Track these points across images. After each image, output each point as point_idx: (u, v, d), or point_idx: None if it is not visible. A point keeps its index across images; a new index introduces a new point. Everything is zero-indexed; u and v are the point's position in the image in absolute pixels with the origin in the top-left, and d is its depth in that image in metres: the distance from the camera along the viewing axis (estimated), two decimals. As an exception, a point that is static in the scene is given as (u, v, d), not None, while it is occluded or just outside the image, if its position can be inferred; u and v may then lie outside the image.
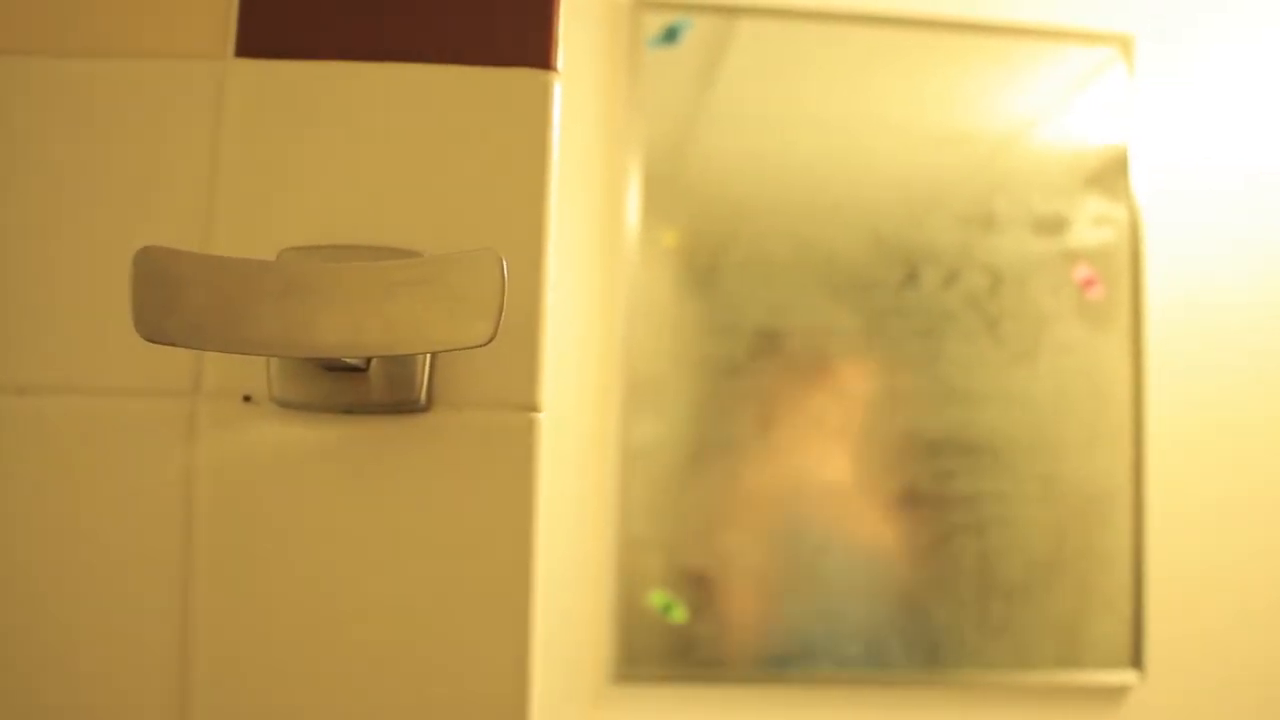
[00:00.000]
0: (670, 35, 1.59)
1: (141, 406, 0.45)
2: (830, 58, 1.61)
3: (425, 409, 0.45)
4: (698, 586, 1.53)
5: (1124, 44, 1.66)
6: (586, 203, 1.57)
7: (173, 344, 0.38)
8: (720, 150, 1.58)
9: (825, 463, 1.57)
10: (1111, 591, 1.59)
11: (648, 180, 1.56)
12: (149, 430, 0.45)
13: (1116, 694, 1.60)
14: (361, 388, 0.44)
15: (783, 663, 1.53)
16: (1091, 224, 1.63)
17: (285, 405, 0.45)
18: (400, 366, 0.44)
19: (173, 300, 0.38)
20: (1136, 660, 1.59)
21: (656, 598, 1.52)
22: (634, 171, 1.56)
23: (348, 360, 0.42)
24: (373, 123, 0.47)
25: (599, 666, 1.52)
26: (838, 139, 1.60)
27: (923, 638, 1.56)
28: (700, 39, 1.59)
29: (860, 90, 1.62)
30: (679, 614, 1.52)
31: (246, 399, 0.45)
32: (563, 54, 0.49)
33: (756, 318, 1.56)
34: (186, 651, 0.45)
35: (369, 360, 0.44)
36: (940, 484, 1.58)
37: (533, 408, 0.46)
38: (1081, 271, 1.62)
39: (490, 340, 0.38)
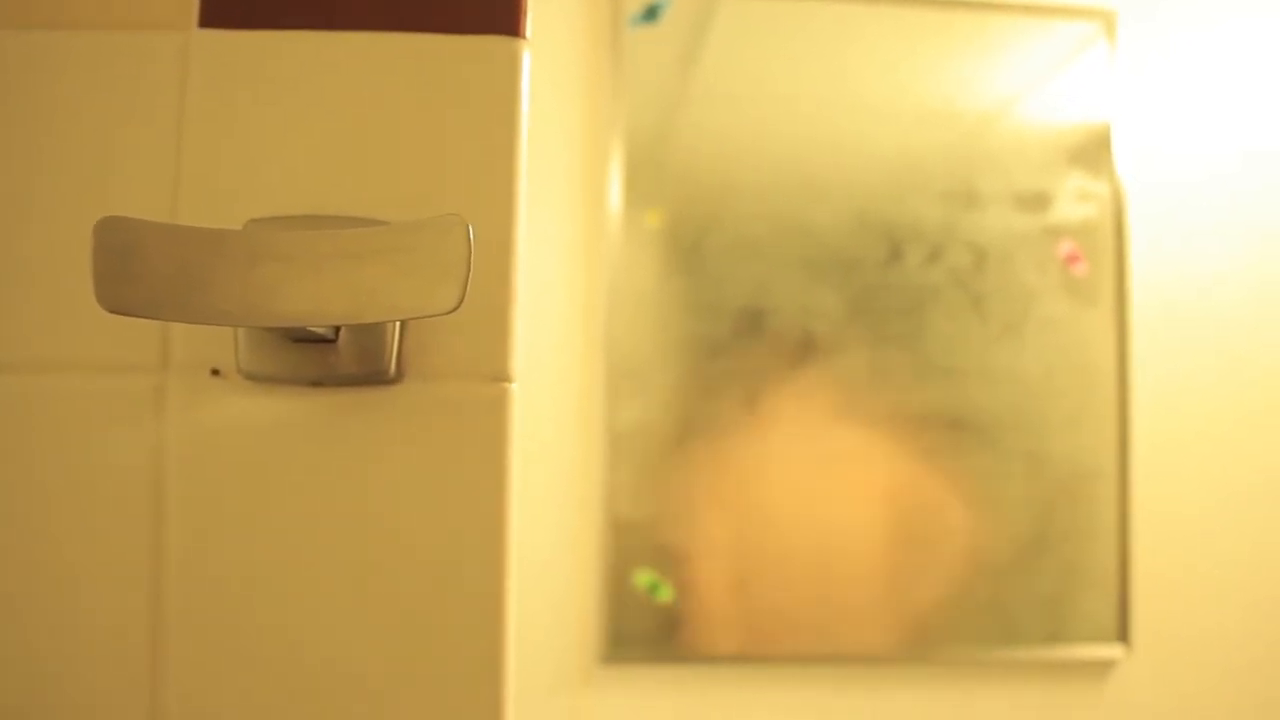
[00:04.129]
0: (651, 14, 1.58)
1: (108, 382, 0.45)
2: (812, 35, 1.61)
3: (395, 380, 0.45)
4: (684, 566, 1.53)
5: (1106, 20, 1.66)
6: (569, 184, 1.56)
7: (134, 315, 0.38)
8: (703, 130, 1.58)
9: (810, 441, 1.57)
10: (1097, 567, 1.60)
11: (630, 161, 1.56)
12: (116, 405, 0.45)
13: (1103, 668, 1.61)
14: (330, 359, 0.44)
15: (769, 641, 1.54)
16: (1074, 200, 1.63)
17: (253, 378, 0.44)
18: (369, 337, 0.44)
19: (135, 270, 0.38)
20: (1123, 635, 1.60)
21: (643, 578, 1.52)
22: (616, 152, 1.56)
23: (315, 331, 0.42)
24: (339, 92, 0.46)
25: (587, 647, 1.53)
26: (820, 117, 1.60)
27: (910, 614, 1.57)
28: (681, 17, 1.59)
29: (843, 68, 1.61)
30: (665, 594, 1.52)
31: (214, 373, 0.45)
32: (541, 29, 0.48)
33: (740, 297, 1.56)
34: (156, 631, 0.44)
35: (337, 331, 0.43)
36: (926, 461, 1.58)
37: (505, 378, 0.45)
38: (1065, 248, 1.62)
39: (457, 307, 0.38)
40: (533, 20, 0.48)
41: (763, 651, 1.54)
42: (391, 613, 0.45)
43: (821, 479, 1.57)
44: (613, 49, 1.58)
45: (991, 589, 1.58)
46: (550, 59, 1.55)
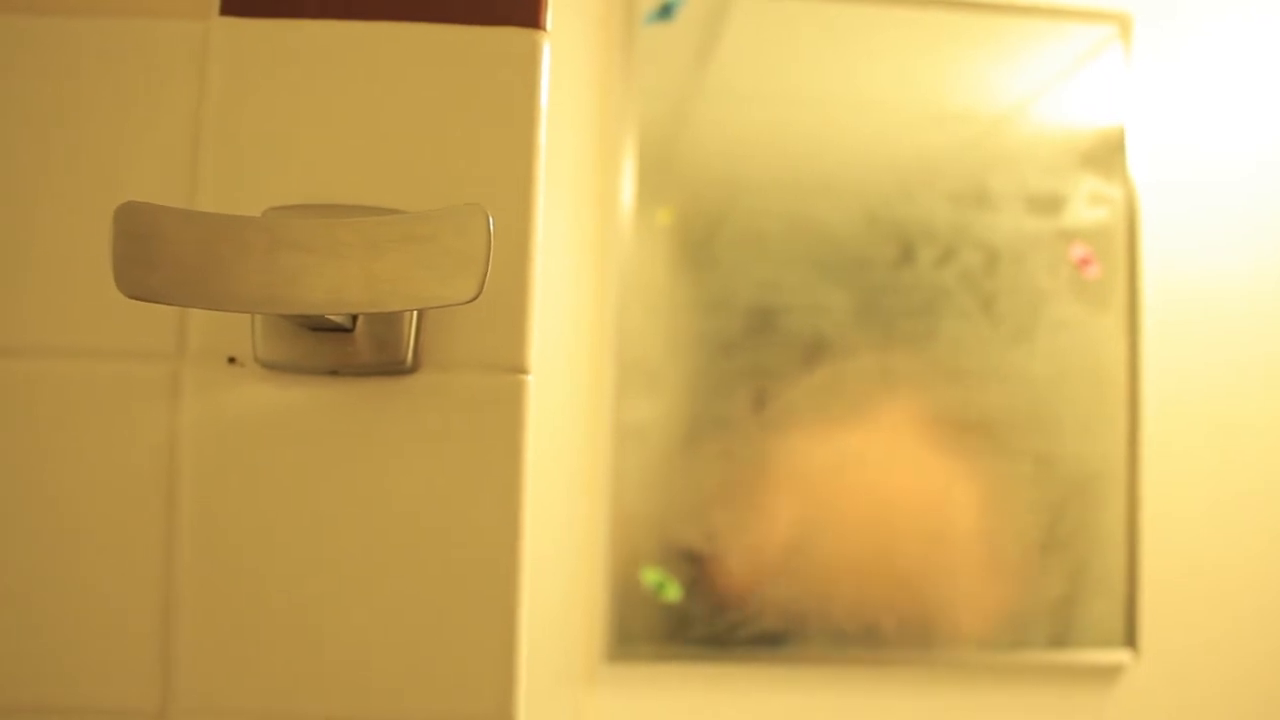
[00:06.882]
0: (665, 11, 1.58)
1: (125, 369, 0.45)
2: (826, 35, 1.60)
3: (412, 370, 0.45)
4: (691, 564, 1.53)
5: (1122, 23, 1.66)
6: (581, 180, 1.56)
7: (154, 300, 0.37)
8: (715, 128, 1.58)
9: (819, 441, 1.56)
10: (1106, 571, 1.59)
11: (642, 158, 1.56)
12: (132, 392, 0.45)
13: (1110, 673, 1.61)
14: (348, 348, 0.44)
15: (776, 641, 1.53)
16: (1087, 203, 1.62)
17: (270, 367, 0.44)
18: (387, 327, 0.44)
19: (155, 256, 0.37)
20: (1130, 640, 1.59)
21: (650, 576, 1.52)
22: (628, 149, 1.55)
23: (333, 319, 0.42)
24: (359, 82, 0.46)
25: (593, 645, 1.52)
26: (833, 116, 1.60)
27: (917, 616, 1.56)
28: (695, 15, 1.58)
29: (856, 67, 1.61)
30: (672, 592, 1.52)
31: (231, 360, 0.45)
32: (556, 26, 0.48)
33: (750, 295, 1.56)
34: (170, 618, 0.44)
35: (355, 320, 0.43)
36: (935, 462, 1.58)
37: (521, 369, 0.45)
38: (1077, 251, 1.62)
39: (476, 297, 0.38)
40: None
41: (770, 651, 1.54)
42: (405, 601, 0.45)
43: (829, 478, 1.57)
44: (626, 46, 1.58)
45: (999, 591, 1.57)
46: (564, 55, 1.55)
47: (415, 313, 0.44)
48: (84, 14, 0.46)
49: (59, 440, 0.45)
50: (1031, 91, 1.63)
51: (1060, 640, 1.58)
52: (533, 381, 0.46)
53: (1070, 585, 1.58)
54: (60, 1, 0.46)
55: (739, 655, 1.53)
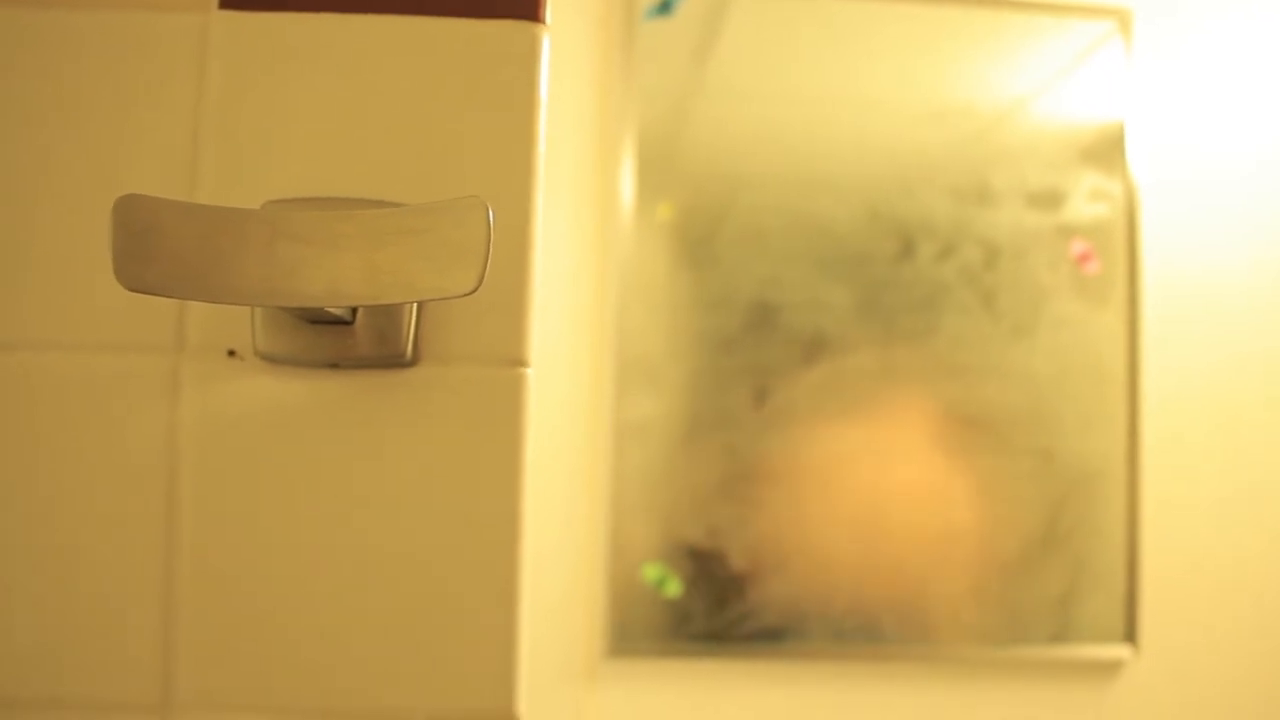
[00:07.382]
0: (665, 7, 1.58)
1: (125, 362, 0.45)
2: (826, 31, 1.60)
3: (412, 363, 0.45)
4: (691, 560, 1.53)
5: (1122, 19, 1.65)
6: (581, 177, 1.56)
7: (154, 293, 0.37)
8: (715, 123, 1.58)
9: (819, 437, 1.56)
10: (1105, 567, 1.59)
11: (642, 154, 1.55)
12: (132, 386, 0.45)
13: (1110, 669, 1.61)
14: (348, 341, 0.44)
15: (776, 637, 1.54)
16: (1088, 199, 1.62)
17: (270, 360, 0.44)
18: (387, 320, 0.44)
19: (155, 248, 0.37)
20: (1130, 635, 1.59)
21: (650, 572, 1.52)
22: (628, 144, 1.55)
23: (333, 312, 0.42)
24: (358, 75, 0.46)
25: (593, 641, 1.53)
26: (833, 112, 1.59)
27: (917, 612, 1.56)
28: (695, 11, 1.58)
29: (856, 63, 1.61)
30: (673, 588, 1.52)
31: (231, 354, 0.45)
32: (555, 22, 0.48)
33: (751, 291, 1.56)
34: (170, 611, 0.44)
35: (355, 313, 0.43)
36: (936, 458, 1.58)
37: (521, 363, 0.45)
38: (1077, 246, 1.61)
39: (475, 289, 0.38)
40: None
41: (770, 647, 1.54)
42: (405, 595, 0.45)
43: (829, 475, 1.57)
44: (626, 42, 1.57)
45: (999, 587, 1.57)
46: (564, 51, 1.55)
47: (415, 305, 0.44)
48: (84, 7, 0.46)
49: (59, 434, 0.45)
50: (1032, 87, 1.63)
51: (1060, 636, 1.58)
52: (533, 375, 0.46)
53: (1070, 581, 1.58)
54: (60, -5, 0.46)
55: (739, 651, 1.54)
